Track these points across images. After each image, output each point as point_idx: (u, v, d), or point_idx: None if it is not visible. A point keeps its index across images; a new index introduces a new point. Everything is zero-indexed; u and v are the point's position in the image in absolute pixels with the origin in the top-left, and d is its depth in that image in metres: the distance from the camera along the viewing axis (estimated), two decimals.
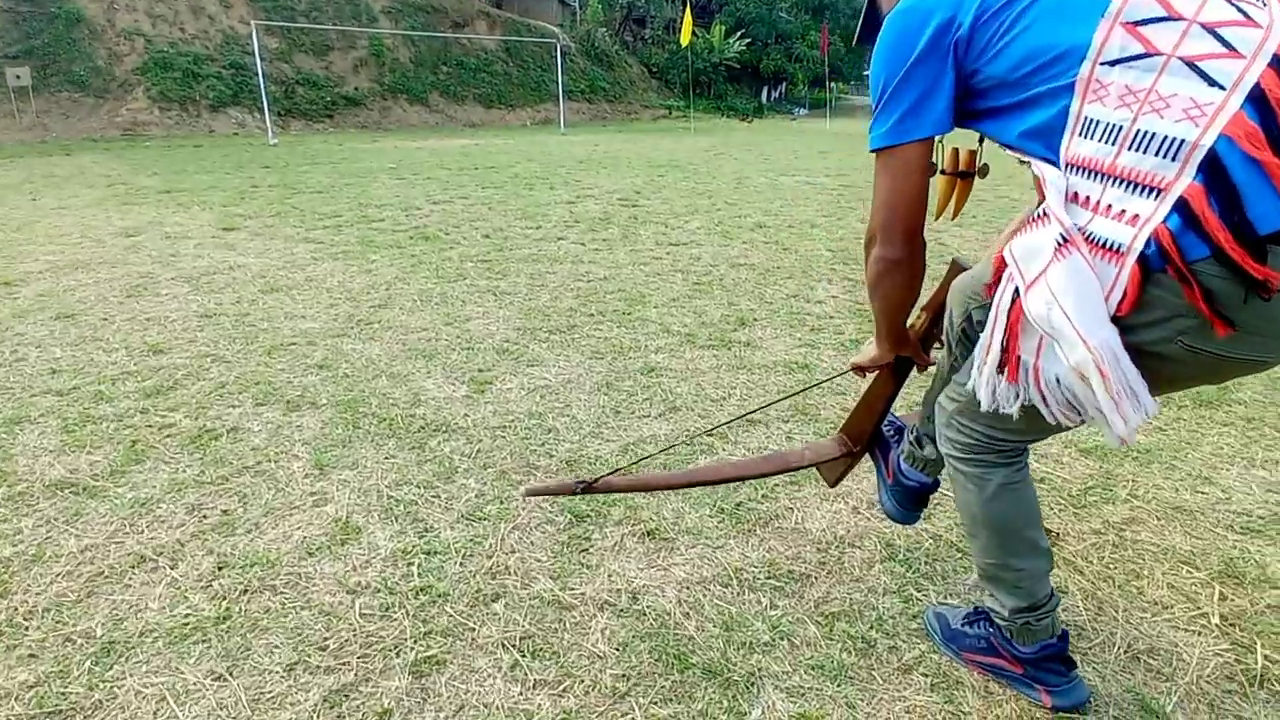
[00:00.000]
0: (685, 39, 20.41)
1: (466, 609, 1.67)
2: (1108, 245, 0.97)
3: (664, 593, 1.73)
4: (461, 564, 1.82)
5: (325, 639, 1.57)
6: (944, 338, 1.43)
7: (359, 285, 4.30)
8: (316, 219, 6.35)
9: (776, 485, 2.19)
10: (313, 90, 19.16)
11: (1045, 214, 1.04)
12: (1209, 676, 1.50)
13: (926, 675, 1.49)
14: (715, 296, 4.16)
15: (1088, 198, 1.00)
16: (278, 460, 2.32)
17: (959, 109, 1.14)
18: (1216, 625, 1.64)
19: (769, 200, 7.61)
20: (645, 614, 1.66)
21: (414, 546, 1.88)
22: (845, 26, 32.16)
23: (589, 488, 1.57)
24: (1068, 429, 1.18)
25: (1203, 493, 2.16)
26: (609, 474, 1.71)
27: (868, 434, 1.70)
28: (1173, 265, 0.94)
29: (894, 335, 1.44)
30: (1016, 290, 1.07)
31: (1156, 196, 0.94)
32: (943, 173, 1.35)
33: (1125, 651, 1.56)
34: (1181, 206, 0.92)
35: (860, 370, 1.59)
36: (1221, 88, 0.91)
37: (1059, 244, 0.98)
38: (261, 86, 15.95)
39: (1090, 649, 1.57)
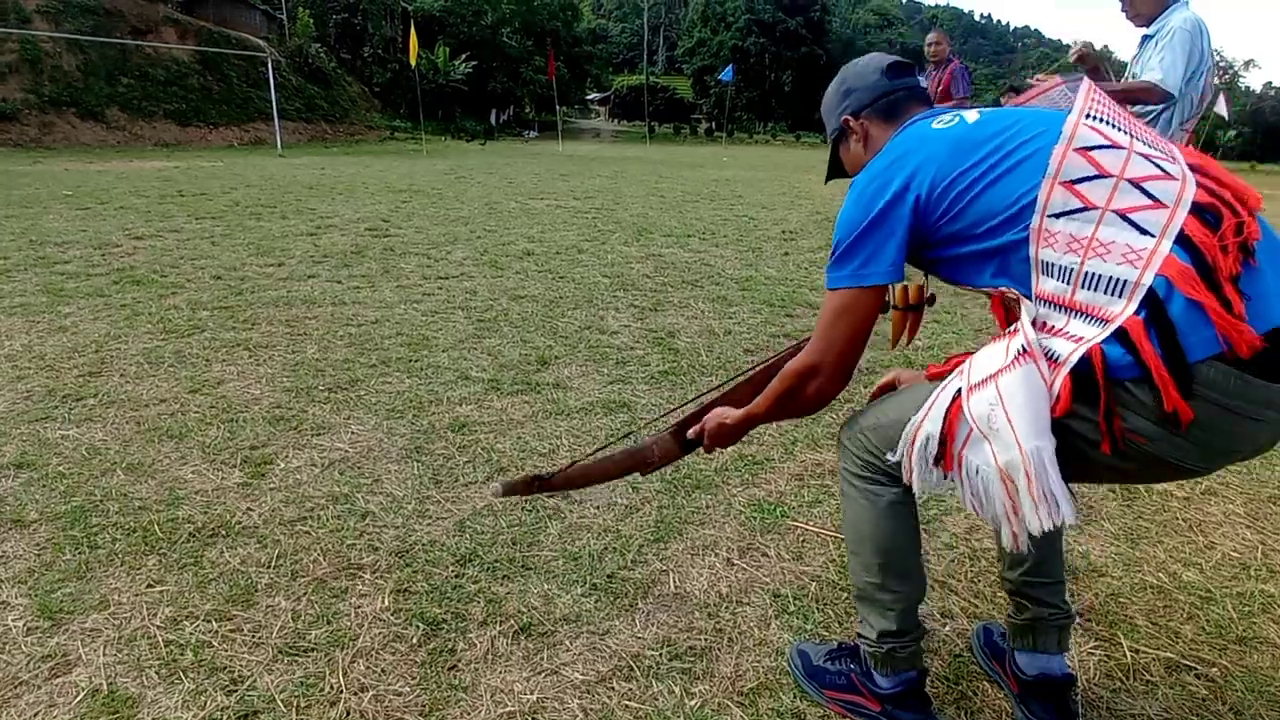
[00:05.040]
0: (413, 59, 19.62)
1: None
2: (1050, 356, 1.09)
3: (564, 704, 1.47)
4: None
5: None
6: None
7: (54, 348, 3.39)
8: None
9: (643, 547, 2.01)
10: None
11: (1015, 330, 1.14)
12: (1093, 677, 1.59)
13: None
14: (505, 334, 3.89)
15: (1054, 326, 1.11)
16: None
17: (918, 256, 1.26)
18: (1079, 624, 1.75)
19: (527, 226, 7.45)
20: None
21: (223, 710, 1.42)
22: (567, 52, 33.19)
23: (547, 483, 1.51)
24: None
25: None
26: (565, 468, 1.57)
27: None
28: (1094, 377, 1.04)
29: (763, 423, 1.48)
30: (959, 390, 1.15)
31: (1102, 325, 1.05)
32: (895, 308, 1.50)
33: None
34: (1120, 334, 1.03)
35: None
36: (1152, 235, 1.04)
37: (1019, 353, 1.08)
38: None
39: None
